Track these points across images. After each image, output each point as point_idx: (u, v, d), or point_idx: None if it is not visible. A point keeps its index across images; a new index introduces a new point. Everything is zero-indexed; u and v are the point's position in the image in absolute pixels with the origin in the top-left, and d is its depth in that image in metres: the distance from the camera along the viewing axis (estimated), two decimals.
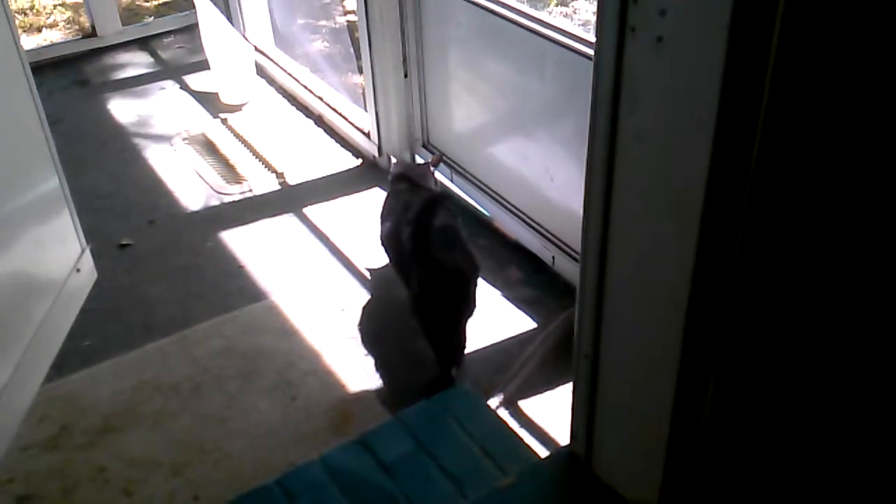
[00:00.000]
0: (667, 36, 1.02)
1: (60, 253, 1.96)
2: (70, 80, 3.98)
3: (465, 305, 2.13)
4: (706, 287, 1.16)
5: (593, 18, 1.19)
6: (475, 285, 2.15)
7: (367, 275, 2.61)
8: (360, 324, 2.42)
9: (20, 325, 1.78)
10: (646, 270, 1.23)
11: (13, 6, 4.65)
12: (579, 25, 3.68)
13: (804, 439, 1.24)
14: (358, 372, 2.24)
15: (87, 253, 2.07)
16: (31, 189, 1.92)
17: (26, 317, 1.81)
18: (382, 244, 2.39)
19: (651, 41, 1.04)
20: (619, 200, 1.19)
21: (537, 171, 2.54)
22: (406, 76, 2.96)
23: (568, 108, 2.36)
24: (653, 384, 1.30)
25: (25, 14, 4.81)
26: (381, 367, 2.26)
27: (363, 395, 2.18)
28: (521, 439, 1.89)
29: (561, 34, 2.27)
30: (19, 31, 1.85)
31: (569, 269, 2.47)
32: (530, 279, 2.56)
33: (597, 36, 1.12)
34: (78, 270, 1.99)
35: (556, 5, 4.35)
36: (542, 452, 1.93)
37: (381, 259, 2.53)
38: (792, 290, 1.15)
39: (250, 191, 3.11)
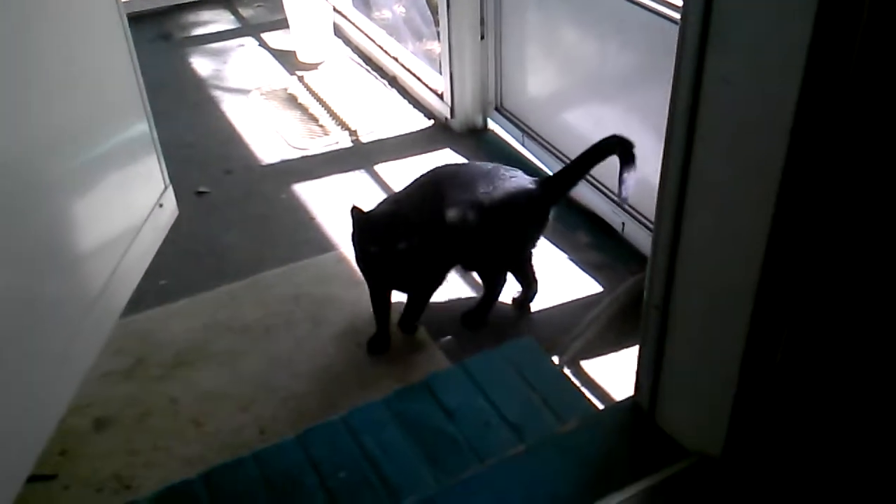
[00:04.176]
0: None
1: (146, 188, 2.04)
2: (154, 34, 4.09)
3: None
4: (785, 237, 1.15)
5: None
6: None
7: None
8: None
9: (106, 255, 1.86)
10: (724, 218, 1.22)
11: None
12: None
13: (881, 397, 1.22)
14: (421, 322, 2.27)
15: (170, 191, 2.14)
16: (123, 128, 2.01)
17: (112, 247, 1.89)
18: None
19: None
20: (700, 146, 1.18)
21: None
22: (482, 38, 2.96)
23: (648, 73, 2.34)
24: (723, 336, 1.29)
25: None
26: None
27: (427, 344, 2.21)
28: (583, 393, 1.90)
29: None
30: None
31: (638, 236, 2.46)
32: (599, 244, 2.56)
33: None
34: (161, 206, 2.07)
35: None
36: None
37: None
38: (872, 242, 1.13)
39: (324, 146, 3.16)
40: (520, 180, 2.18)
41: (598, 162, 2.22)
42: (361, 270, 2.17)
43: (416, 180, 2.21)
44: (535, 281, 2.31)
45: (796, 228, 1.14)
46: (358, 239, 2.05)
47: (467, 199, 2.10)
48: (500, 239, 2.18)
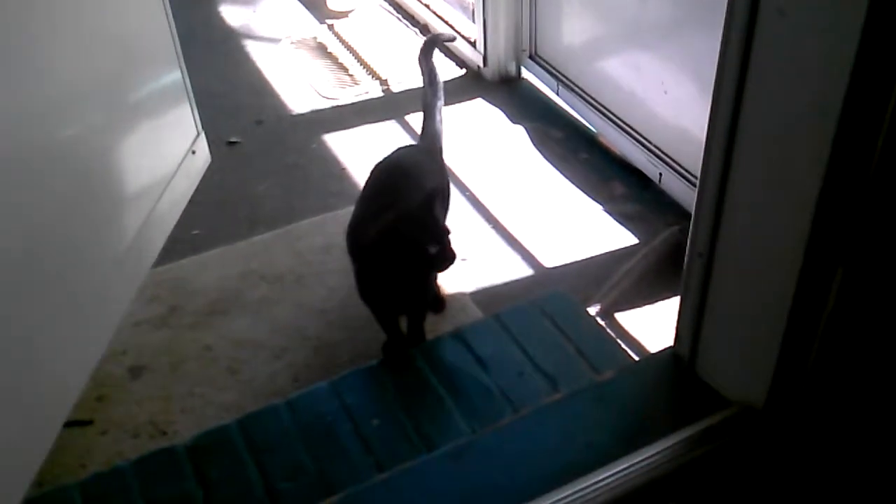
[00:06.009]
0: None
1: (179, 134, 2.04)
2: None
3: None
4: (840, 183, 1.11)
5: None
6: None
7: None
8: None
9: (141, 200, 1.87)
10: (776, 164, 1.18)
11: None
12: None
13: None
14: (453, 274, 2.25)
15: (203, 137, 2.14)
16: (156, 75, 2.01)
17: (147, 193, 1.90)
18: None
19: None
20: (753, 83, 1.13)
21: (650, 85, 2.45)
22: None
23: (690, 19, 2.26)
24: (771, 285, 1.25)
25: None
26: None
27: (458, 297, 2.19)
28: (618, 343, 1.87)
29: None
30: None
31: (676, 187, 2.41)
32: (634, 195, 2.51)
33: None
34: (193, 152, 2.06)
35: None
36: None
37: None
38: None
39: (354, 96, 3.13)
40: (421, 147, 2.17)
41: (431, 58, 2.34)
42: (381, 295, 1.85)
43: (373, 182, 1.98)
44: None
45: (852, 175, 1.10)
46: (413, 241, 1.70)
47: (431, 181, 1.92)
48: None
